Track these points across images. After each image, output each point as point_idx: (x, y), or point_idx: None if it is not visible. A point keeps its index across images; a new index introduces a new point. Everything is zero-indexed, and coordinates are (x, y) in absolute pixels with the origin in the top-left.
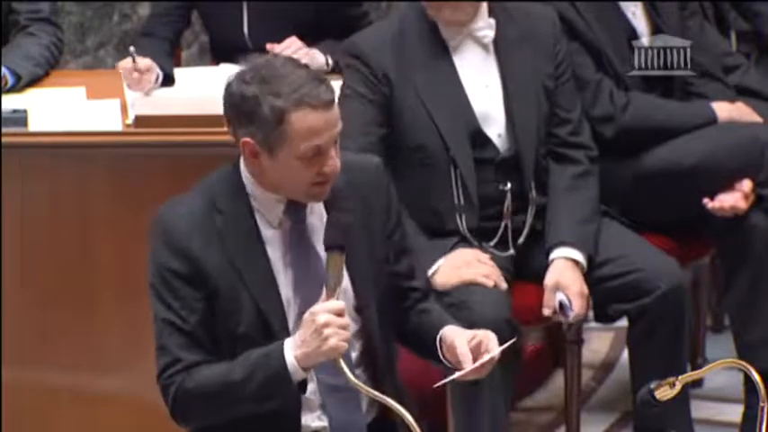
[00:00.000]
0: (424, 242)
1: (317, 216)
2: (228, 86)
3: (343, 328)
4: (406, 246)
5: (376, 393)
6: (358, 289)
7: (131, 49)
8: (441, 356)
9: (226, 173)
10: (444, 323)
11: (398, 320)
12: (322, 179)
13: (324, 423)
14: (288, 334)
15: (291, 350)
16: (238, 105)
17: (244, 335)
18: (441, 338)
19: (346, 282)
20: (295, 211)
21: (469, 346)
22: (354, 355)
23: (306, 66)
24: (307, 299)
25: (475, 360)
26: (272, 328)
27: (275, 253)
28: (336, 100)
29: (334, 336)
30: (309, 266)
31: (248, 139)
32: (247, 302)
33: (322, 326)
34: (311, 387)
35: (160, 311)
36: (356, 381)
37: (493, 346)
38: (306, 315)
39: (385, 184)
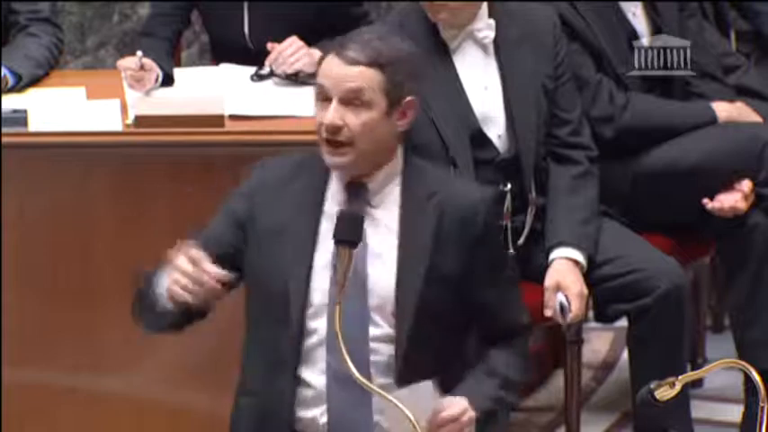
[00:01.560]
0: None
1: (388, 214)
2: None
3: (189, 277)
4: (498, 280)
5: (380, 391)
6: (400, 296)
7: (139, 53)
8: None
9: None
10: (461, 388)
11: (458, 347)
12: (325, 132)
13: None
14: (302, 315)
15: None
16: None
17: (269, 299)
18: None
19: (390, 286)
20: (355, 195)
21: (436, 420)
22: (378, 359)
23: (390, 36)
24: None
25: None
26: (290, 305)
27: (327, 232)
28: (370, 66)
29: (171, 280)
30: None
31: None
32: (277, 271)
33: (172, 267)
34: (322, 380)
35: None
36: (359, 375)
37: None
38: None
39: (480, 217)
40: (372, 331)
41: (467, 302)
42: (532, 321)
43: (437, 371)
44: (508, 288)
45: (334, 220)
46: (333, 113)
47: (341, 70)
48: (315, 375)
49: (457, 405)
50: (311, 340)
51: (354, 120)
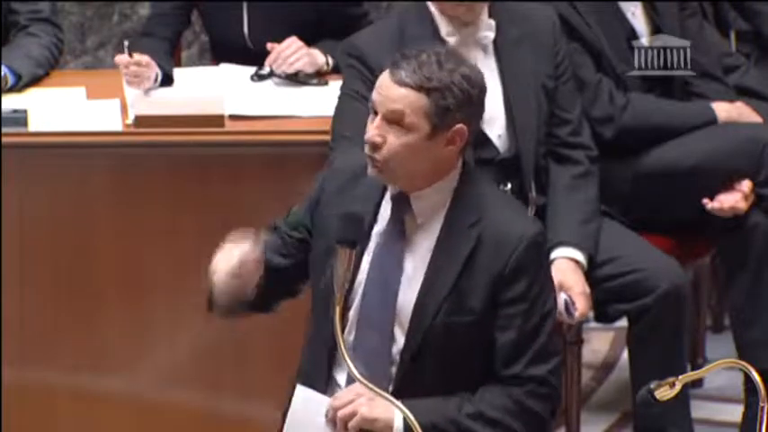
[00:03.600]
0: None
1: (429, 235)
2: None
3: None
4: (513, 325)
5: (379, 390)
6: (416, 313)
7: (125, 42)
8: None
9: None
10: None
11: (463, 376)
12: (368, 149)
13: None
14: (342, 310)
15: None
16: None
17: (320, 297)
18: None
19: (412, 301)
20: (398, 204)
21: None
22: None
23: (452, 60)
24: (368, 301)
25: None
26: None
27: (376, 237)
28: (416, 90)
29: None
30: (383, 266)
31: None
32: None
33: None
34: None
35: None
36: (356, 372)
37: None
38: None
39: (512, 255)
40: (393, 347)
41: (481, 337)
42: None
43: (435, 393)
44: (527, 335)
45: (380, 231)
46: (374, 130)
47: (388, 89)
48: (343, 380)
49: (346, 392)
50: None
51: (394, 140)
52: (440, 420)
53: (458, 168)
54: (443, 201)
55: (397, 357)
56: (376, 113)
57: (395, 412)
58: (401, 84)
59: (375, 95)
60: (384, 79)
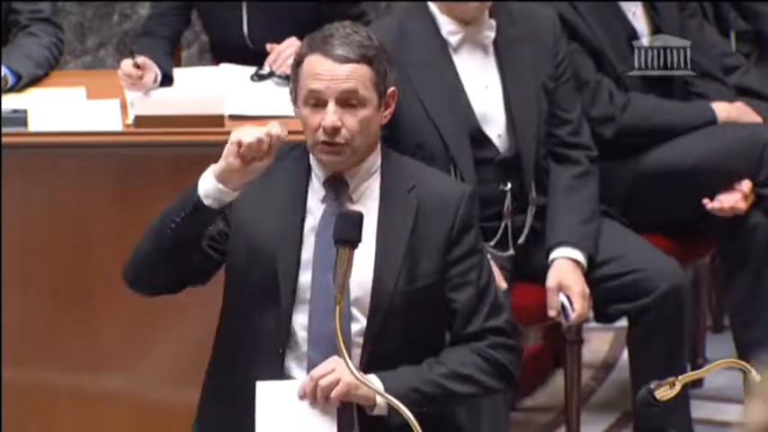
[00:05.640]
0: None
1: (368, 209)
2: None
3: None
4: (470, 281)
5: (364, 379)
6: (375, 289)
7: (134, 49)
8: None
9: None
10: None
11: (430, 344)
12: (324, 136)
13: None
14: (291, 311)
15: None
16: None
17: (252, 289)
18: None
19: (368, 280)
20: (334, 188)
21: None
22: (358, 353)
23: (365, 33)
24: (321, 286)
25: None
26: (280, 301)
27: (310, 224)
28: (360, 62)
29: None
30: (329, 251)
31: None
32: (264, 267)
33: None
34: (303, 375)
35: None
36: (349, 361)
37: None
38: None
39: (457, 212)
40: (353, 327)
41: (439, 300)
42: (528, 321)
43: (401, 363)
44: (482, 290)
45: (317, 217)
46: (332, 116)
47: (333, 71)
48: (297, 369)
49: (325, 364)
50: (296, 335)
51: (351, 120)
52: (418, 383)
53: (380, 142)
54: (374, 175)
55: (361, 338)
56: (318, 104)
57: (377, 378)
58: (345, 61)
59: (317, 84)
60: (320, 65)
